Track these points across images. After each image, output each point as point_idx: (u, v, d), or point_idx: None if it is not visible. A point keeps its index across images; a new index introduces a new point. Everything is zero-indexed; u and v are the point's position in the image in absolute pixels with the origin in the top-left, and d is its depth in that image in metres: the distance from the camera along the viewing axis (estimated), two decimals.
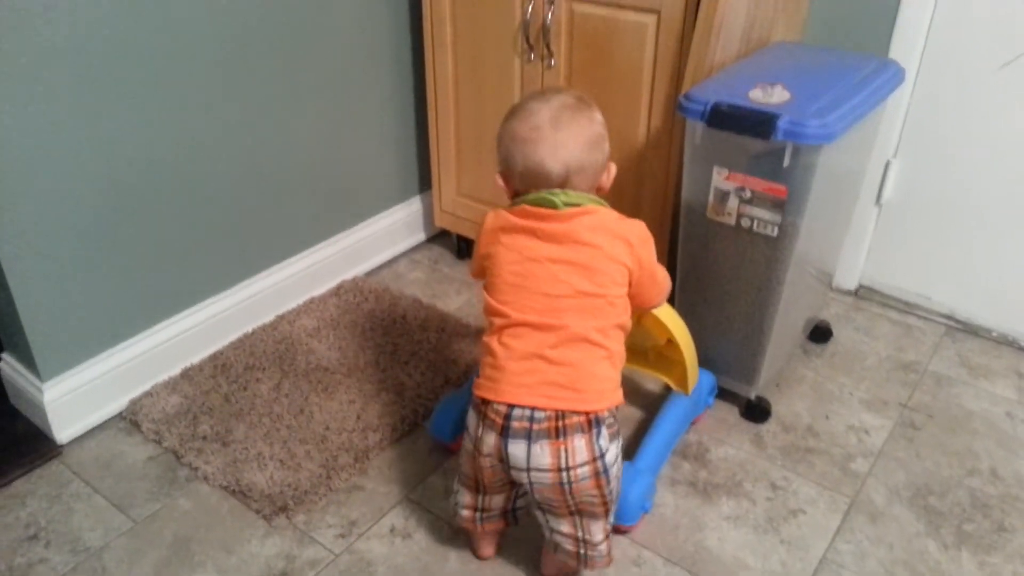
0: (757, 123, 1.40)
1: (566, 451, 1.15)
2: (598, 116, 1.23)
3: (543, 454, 1.15)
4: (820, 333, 1.94)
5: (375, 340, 1.91)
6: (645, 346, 1.62)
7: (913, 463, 1.60)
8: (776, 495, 1.53)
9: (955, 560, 1.41)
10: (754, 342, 1.64)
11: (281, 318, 1.99)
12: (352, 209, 2.14)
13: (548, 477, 1.16)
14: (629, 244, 1.20)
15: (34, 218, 1.49)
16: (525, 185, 1.21)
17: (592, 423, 1.16)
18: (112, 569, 1.40)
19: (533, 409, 1.15)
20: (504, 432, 1.16)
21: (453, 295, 2.13)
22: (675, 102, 1.63)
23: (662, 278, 1.30)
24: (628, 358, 1.65)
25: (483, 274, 1.26)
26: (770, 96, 1.45)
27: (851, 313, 2.04)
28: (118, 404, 1.73)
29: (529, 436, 1.15)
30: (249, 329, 1.95)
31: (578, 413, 1.15)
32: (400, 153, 2.20)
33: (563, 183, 1.19)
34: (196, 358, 1.85)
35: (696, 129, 1.50)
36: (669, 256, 1.80)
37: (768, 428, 1.69)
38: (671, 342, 1.52)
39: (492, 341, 1.20)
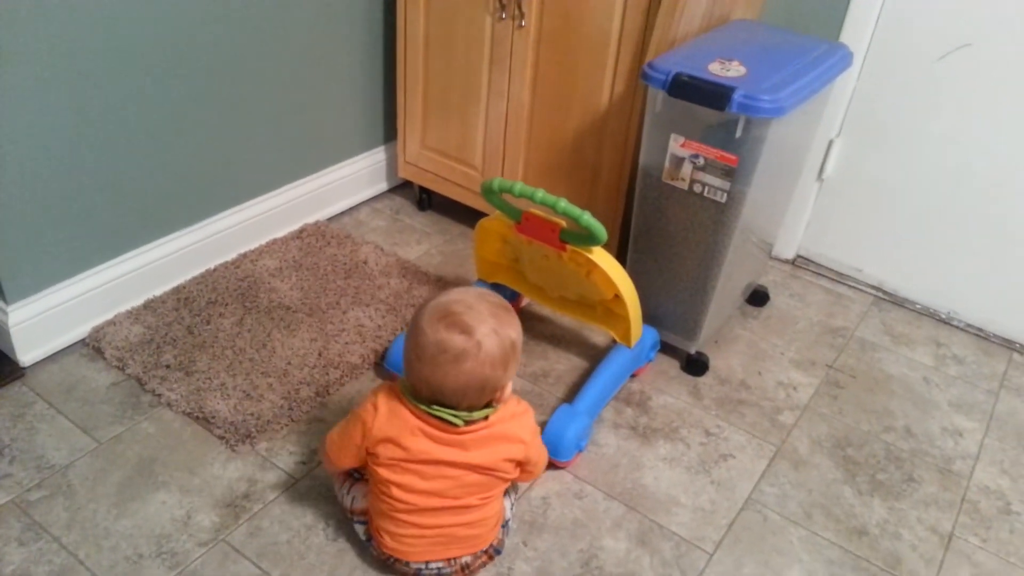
0: (714, 95, 1.49)
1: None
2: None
3: None
4: (758, 297, 2.06)
5: (337, 283, 1.97)
6: (593, 300, 1.71)
7: (835, 418, 1.74)
8: (709, 440, 1.66)
9: (867, 505, 1.55)
10: (697, 301, 1.75)
11: (244, 256, 2.04)
12: (317, 155, 2.18)
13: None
14: (523, 442, 1.27)
15: (6, 146, 1.51)
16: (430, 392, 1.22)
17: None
18: (77, 486, 1.45)
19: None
20: None
21: (414, 244, 2.19)
22: (639, 71, 1.71)
23: (541, 454, 1.38)
24: (578, 311, 1.75)
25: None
26: (727, 70, 1.55)
27: (787, 280, 2.18)
28: (81, 331, 1.76)
29: None
30: (212, 265, 1.99)
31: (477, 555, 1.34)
32: (367, 103, 2.24)
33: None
34: (159, 290, 1.89)
35: (657, 97, 1.58)
36: (624, 217, 1.90)
37: (705, 381, 1.81)
38: (617, 297, 1.61)
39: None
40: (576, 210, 1.44)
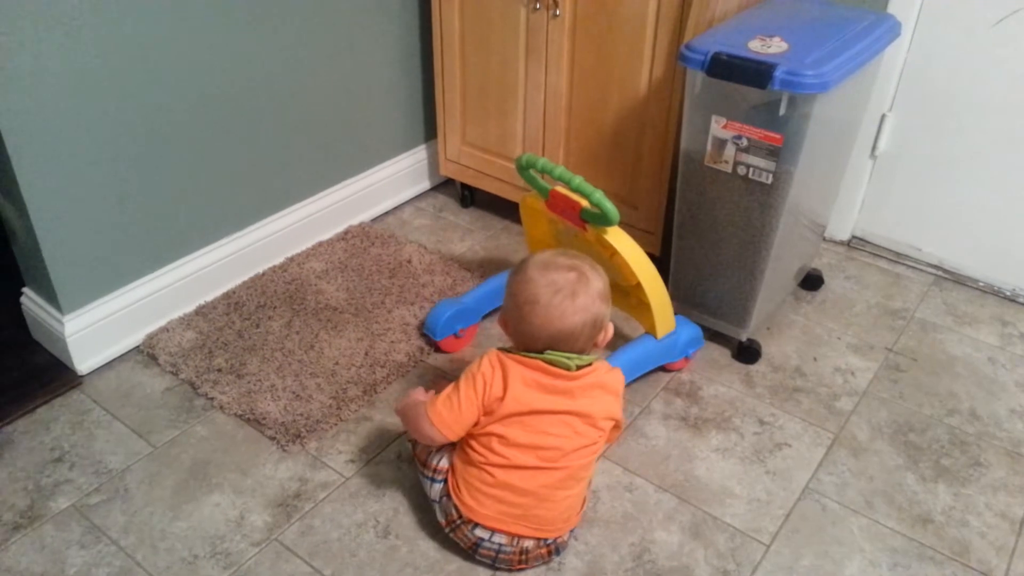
0: (755, 72, 1.45)
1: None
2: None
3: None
4: (811, 281, 2.00)
5: (382, 282, 1.98)
6: (625, 286, 1.66)
7: (896, 403, 1.68)
8: (763, 430, 1.61)
9: (931, 491, 1.49)
10: (746, 286, 1.70)
11: (291, 260, 2.06)
12: (359, 157, 2.19)
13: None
14: (617, 395, 1.32)
15: (56, 158, 1.54)
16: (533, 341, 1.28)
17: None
18: (133, 490, 1.48)
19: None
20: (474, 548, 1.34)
21: (457, 241, 2.19)
22: (677, 53, 1.67)
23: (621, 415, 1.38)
24: (612, 298, 1.71)
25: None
26: (768, 47, 1.50)
27: (843, 263, 2.11)
28: (135, 338, 1.80)
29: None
30: (260, 270, 2.02)
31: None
32: (406, 102, 2.24)
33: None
34: (210, 296, 1.92)
35: (696, 78, 1.54)
36: (668, 203, 1.86)
37: (758, 369, 1.76)
38: (640, 285, 1.56)
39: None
40: (589, 187, 1.43)
